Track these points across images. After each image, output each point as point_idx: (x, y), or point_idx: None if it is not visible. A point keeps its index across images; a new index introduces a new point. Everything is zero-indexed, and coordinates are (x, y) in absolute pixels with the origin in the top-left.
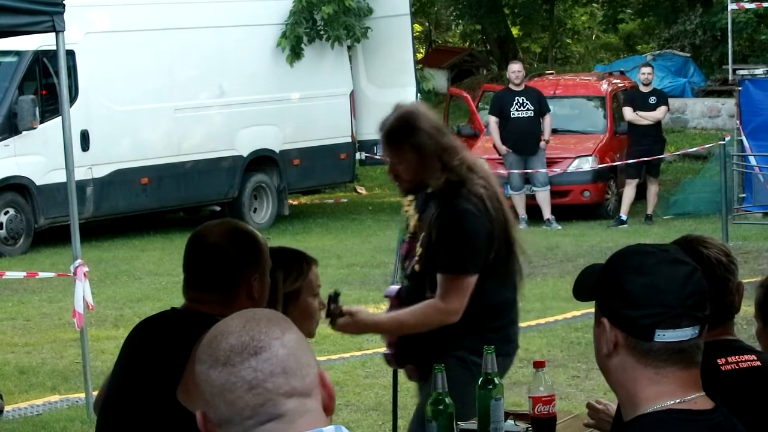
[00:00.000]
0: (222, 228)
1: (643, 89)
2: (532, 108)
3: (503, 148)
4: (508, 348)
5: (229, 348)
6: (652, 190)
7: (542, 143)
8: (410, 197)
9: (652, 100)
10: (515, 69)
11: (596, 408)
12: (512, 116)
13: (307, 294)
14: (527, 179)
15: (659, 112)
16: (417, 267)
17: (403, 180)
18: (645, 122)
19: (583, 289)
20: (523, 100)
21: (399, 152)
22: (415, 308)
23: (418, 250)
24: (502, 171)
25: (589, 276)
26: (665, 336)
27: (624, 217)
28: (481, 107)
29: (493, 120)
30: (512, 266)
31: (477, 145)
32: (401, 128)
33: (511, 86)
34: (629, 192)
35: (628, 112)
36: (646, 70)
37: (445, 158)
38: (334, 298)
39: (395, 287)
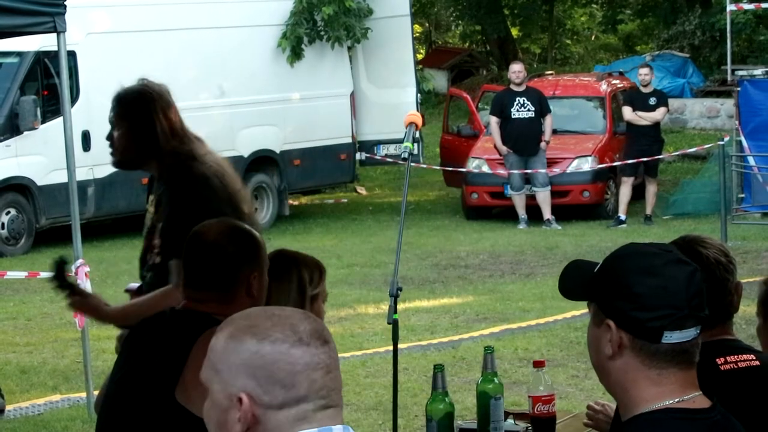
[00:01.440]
0: (220, 227)
1: (644, 90)
2: (533, 108)
3: (504, 149)
4: None
5: (308, 331)
6: (651, 190)
7: (542, 144)
8: (152, 198)
9: (652, 100)
10: (516, 69)
11: (595, 409)
12: (513, 117)
13: (322, 299)
14: (527, 179)
15: (658, 113)
16: (158, 259)
17: (116, 149)
18: (644, 122)
19: (574, 288)
20: (523, 100)
21: (124, 121)
22: (151, 296)
23: (157, 241)
24: (502, 171)
25: (576, 273)
26: (672, 337)
27: (623, 216)
28: (481, 107)
29: (493, 120)
30: None
31: (477, 146)
32: (136, 99)
33: (512, 86)
34: (625, 190)
35: (627, 112)
36: (644, 71)
37: (173, 144)
38: (61, 264)
39: (136, 284)
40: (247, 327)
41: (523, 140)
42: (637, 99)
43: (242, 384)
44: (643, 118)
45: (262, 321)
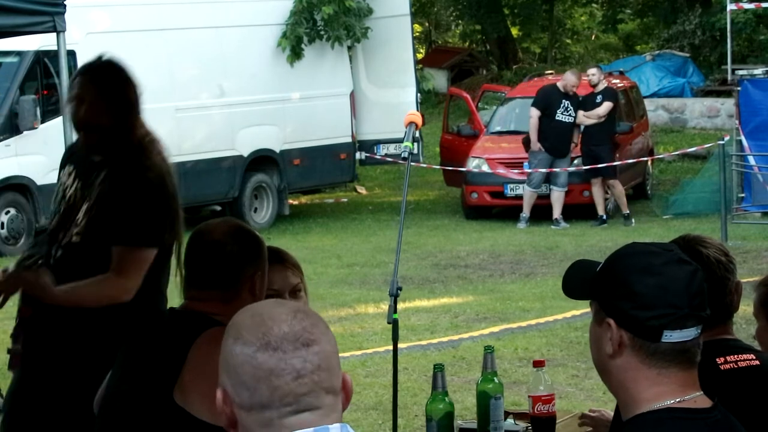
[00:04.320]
0: (224, 226)
1: (595, 90)
2: (574, 115)
3: (537, 145)
4: None
5: (282, 335)
6: (615, 191)
7: (571, 145)
8: (71, 168)
9: (599, 99)
10: (588, 74)
11: (591, 417)
12: (557, 118)
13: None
14: (546, 179)
15: (601, 109)
16: (76, 239)
17: (93, 125)
18: (590, 122)
19: (577, 287)
20: (567, 104)
21: (100, 94)
22: (91, 281)
23: (82, 220)
24: (502, 171)
25: (580, 273)
26: (672, 336)
27: (603, 216)
28: (480, 107)
29: (535, 113)
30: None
31: (477, 145)
32: (116, 73)
33: (559, 86)
34: (595, 191)
35: (579, 115)
36: (590, 71)
37: (134, 122)
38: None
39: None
40: (233, 324)
41: (560, 143)
42: (588, 101)
43: (222, 380)
44: (588, 117)
45: (245, 319)
